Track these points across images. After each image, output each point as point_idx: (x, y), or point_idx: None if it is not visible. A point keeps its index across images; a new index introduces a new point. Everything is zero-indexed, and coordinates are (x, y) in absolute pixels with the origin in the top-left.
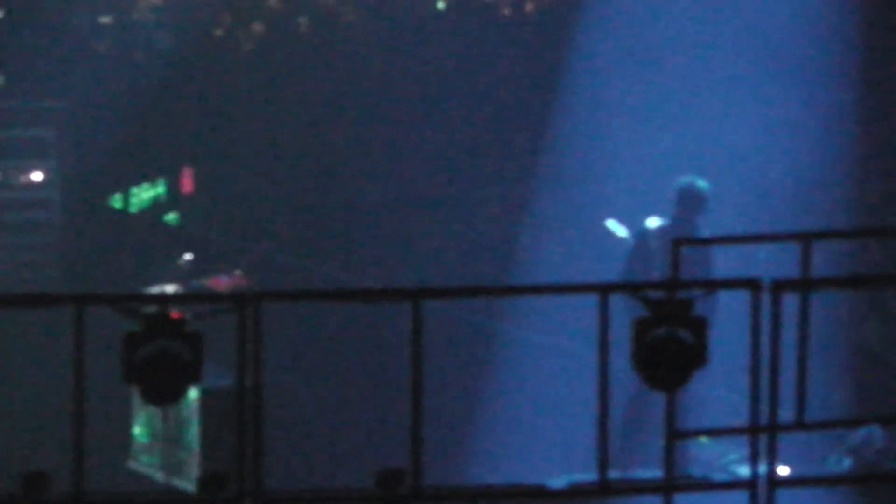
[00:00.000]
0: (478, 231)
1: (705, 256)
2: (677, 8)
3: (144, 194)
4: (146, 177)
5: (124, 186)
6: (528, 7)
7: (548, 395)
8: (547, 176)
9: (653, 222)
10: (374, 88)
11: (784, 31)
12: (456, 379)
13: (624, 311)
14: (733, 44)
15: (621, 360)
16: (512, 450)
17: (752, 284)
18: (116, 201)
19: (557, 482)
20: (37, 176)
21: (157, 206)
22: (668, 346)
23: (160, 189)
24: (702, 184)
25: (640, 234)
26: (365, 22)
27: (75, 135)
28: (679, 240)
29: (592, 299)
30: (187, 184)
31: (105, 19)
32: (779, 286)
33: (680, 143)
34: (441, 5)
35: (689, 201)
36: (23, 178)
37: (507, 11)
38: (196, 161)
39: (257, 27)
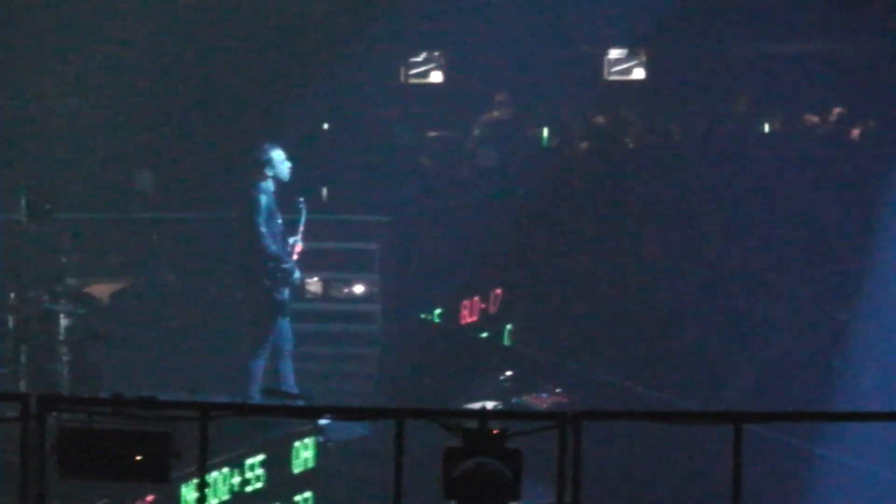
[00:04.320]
0: (791, 351)
1: None
2: None
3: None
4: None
5: (444, 302)
6: (854, 132)
7: None
8: (868, 300)
9: None
10: (695, 203)
11: None
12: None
13: None
14: None
15: None
16: None
17: None
18: (436, 316)
19: None
20: (359, 289)
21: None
22: None
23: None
24: None
25: None
26: (694, 139)
27: (398, 248)
28: None
29: None
30: (494, 304)
31: (432, 133)
32: None
33: None
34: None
35: None
36: (345, 291)
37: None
38: (505, 279)
39: (583, 145)
